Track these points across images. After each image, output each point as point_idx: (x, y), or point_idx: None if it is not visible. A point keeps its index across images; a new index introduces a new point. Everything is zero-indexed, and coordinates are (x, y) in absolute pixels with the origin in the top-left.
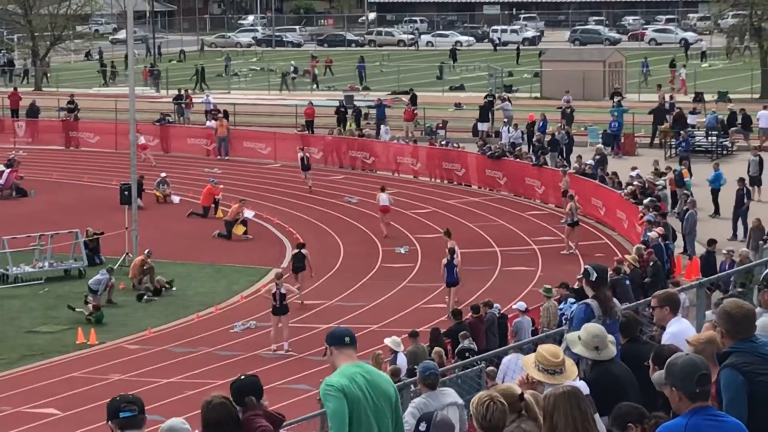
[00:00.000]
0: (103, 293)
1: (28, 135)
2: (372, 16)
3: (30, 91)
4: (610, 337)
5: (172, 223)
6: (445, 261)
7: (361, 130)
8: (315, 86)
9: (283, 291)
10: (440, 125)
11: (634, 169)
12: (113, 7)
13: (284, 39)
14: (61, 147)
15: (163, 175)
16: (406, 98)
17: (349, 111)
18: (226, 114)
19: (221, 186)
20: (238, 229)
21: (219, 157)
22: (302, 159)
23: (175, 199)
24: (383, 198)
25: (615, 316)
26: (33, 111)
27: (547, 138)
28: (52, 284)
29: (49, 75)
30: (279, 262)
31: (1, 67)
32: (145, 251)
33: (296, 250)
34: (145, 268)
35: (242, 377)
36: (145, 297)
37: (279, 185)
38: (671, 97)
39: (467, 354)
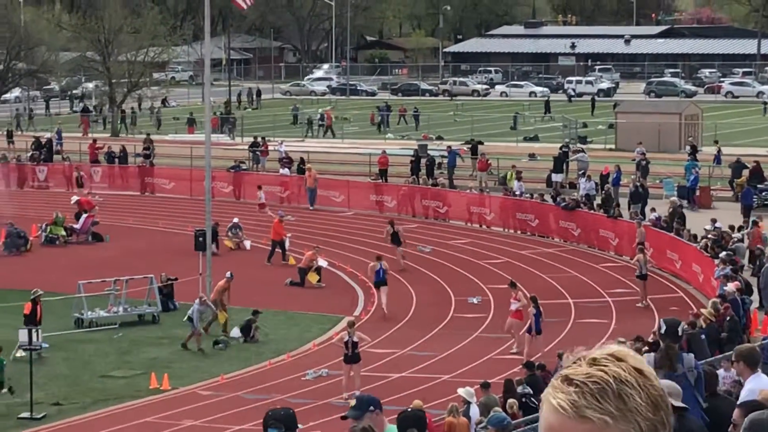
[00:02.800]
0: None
1: (105, 180)
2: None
3: (107, 137)
4: (672, 389)
5: (245, 270)
6: (533, 311)
7: (435, 180)
8: (331, 136)
9: (355, 339)
10: (514, 176)
11: (714, 221)
12: (190, 55)
13: (358, 88)
14: (137, 192)
15: (236, 220)
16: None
17: (423, 160)
18: (303, 162)
19: (289, 234)
20: (312, 277)
21: (311, 207)
22: (393, 234)
23: (247, 244)
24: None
25: (676, 370)
26: (110, 157)
27: (623, 190)
28: (126, 329)
29: (127, 121)
30: (351, 310)
31: (81, 113)
32: (227, 274)
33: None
34: (225, 292)
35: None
36: (219, 345)
37: (352, 233)
38: None
39: (524, 399)
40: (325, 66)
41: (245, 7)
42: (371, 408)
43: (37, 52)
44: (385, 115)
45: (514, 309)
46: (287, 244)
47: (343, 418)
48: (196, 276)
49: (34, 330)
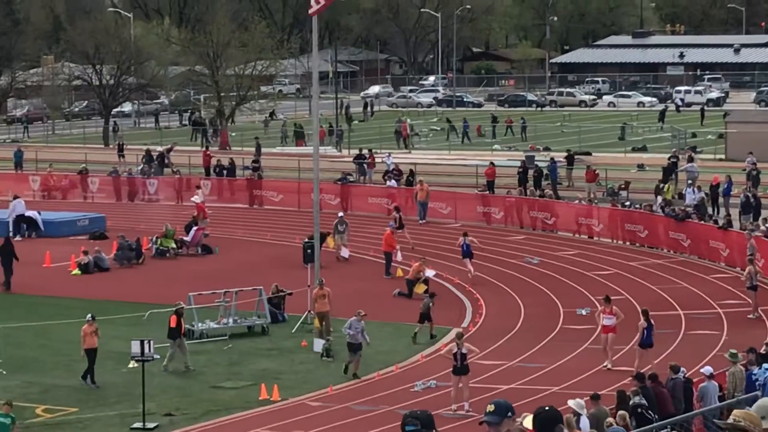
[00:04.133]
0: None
1: (214, 193)
2: None
3: (215, 150)
4: None
5: (352, 282)
6: (644, 324)
7: (542, 191)
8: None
9: (463, 351)
10: (622, 186)
11: None
12: (297, 68)
13: (464, 99)
14: (246, 205)
15: (341, 214)
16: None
17: (530, 171)
18: (412, 174)
19: (399, 246)
20: (419, 288)
21: (420, 221)
22: (462, 245)
23: (345, 253)
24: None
25: None
26: (219, 170)
27: (734, 200)
28: (236, 341)
29: (234, 134)
30: (459, 321)
31: (192, 126)
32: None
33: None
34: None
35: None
36: (325, 357)
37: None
38: None
39: (639, 410)
40: (431, 78)
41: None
42: (509, 414)
43: (147, 67)
44: (466, 126)
45: (607, 324)
46: (399, 256)
47: (482, 423)
48: (303, 288)
49: (146, 342)
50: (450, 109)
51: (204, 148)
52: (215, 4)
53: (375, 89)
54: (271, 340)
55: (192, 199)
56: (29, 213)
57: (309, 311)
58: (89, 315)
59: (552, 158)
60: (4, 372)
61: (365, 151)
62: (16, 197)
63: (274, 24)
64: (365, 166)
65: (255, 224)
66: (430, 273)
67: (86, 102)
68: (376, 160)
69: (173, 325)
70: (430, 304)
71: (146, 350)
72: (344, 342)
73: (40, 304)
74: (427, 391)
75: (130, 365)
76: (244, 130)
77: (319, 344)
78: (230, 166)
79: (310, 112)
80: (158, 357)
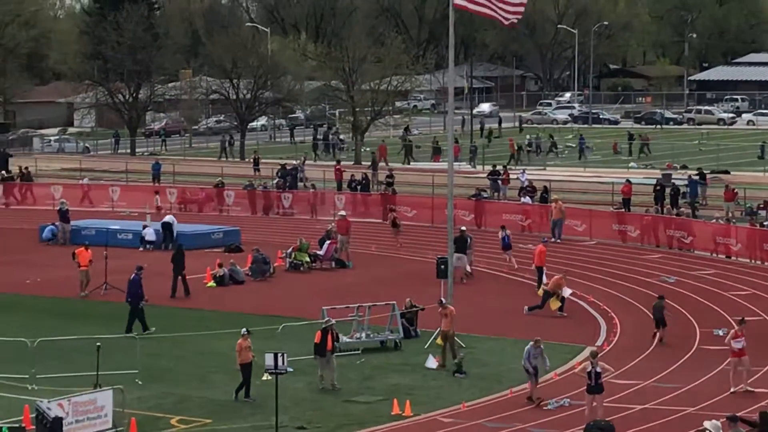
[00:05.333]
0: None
1: (348, 207)
2: None
3: (350, 164)
4: None
5: (485, 298)
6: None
7: (679, 209)
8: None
9: (598, 370)
10: (761, 206)
11: None
12: (432, 84)
13: (600, 116)
14: (379, 220)
15: (463, 228)
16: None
17: (667, 189)
18: (546, 191)
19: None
20: (554, 304)
21: (553, 239)
22: (503, 238)
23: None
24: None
25: None
26: (354, 184)
27: None
28: (369, 355)
29: (367, 149)
30: (593, 340)
31: (324, 141)
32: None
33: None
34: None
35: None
36: (457, 374)
37: (594, 263)
38: None
39: None
40: (567, 94)
41: (505, 23)
42: None
43: (283, 81)
44: (582, 142)
45: (736, 348)
46: (567, 292)
47: None
48: (436, 304)
49: (280, 355)
50: (586, 125)
51: (336, 163)
52: (352, 20)
53: (485, 107)
54: (404, 356)
55: (340, 213)
56: (167, 218)
57: (438, 329)
58: (244, 329)
59: (690, 176)
60: (140, 382)
61: (499, 167)
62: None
63: (410, 39)
64: (499, 182)
65: (388, 239)
66: (566, 292)
67: (222, 115)
68: (511, 176)
69: (317, 341)
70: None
71: (279, 363)
72: (475, 359)
73: (176, 315)
74: (560, 409)
75: (264, 378)
76: (376, 146)
77: (432, 361)
78: (364, 180)
79: (445, 128)
80: (291, 370)
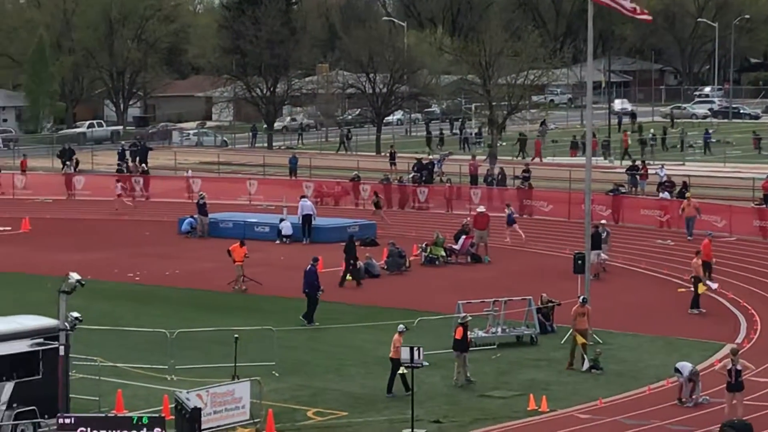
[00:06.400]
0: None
1: (483, 202)
2: None
3: (483, 159)
4: None
5: (625, 294)
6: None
7: None
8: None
9: (738, 367)
10: None
11: None
12: (569, 78)
13: (741, 111)
14: (516, 214)
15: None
16: None
17: None
18: (685, 186)
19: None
20: (701, 288)
21: (689, 237)
22: (509, 215)
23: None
24: None
25: None
26: (490, 179)
27: None
28: (505, 350)
29: (504, 143)
30: (733, 337)
31: (461, 136)
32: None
33: None
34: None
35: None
36: (594, 370)
37: (734, 259)
38: None
39: None
40: (707, 89)
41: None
42: None
43: (419, 75)
44: (707, 137)
45: None
46: (714, 285)
47: None
48: (573, 299)
49: (416, 349)
50: (726, 120)
51: (471, 158)
52: (488, 13)
53: (616, 103)
54: (540, 351)
55: (479, 209)
56: (305, 205)
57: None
58: (401, 326)
59: None
60: (277, 374)
61: (638, 162)
62: (303, 197)
63: (547, 33)
64: (638, 177)
65: (526, 234)
66: (713, 285)
67: (359, 110)
68: (649, 171)
69: (458, 336)
70: None
71: (416, 357)
72: (612, 355)
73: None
74: (699, 407)
75: (400, 371)
76: (512, 140)
77: (585, 362)
78: (500, 175)
79: (582, 122)
80: (427, 364)
